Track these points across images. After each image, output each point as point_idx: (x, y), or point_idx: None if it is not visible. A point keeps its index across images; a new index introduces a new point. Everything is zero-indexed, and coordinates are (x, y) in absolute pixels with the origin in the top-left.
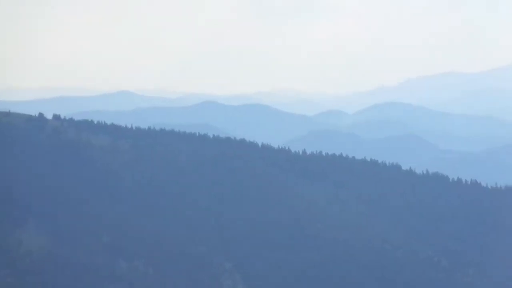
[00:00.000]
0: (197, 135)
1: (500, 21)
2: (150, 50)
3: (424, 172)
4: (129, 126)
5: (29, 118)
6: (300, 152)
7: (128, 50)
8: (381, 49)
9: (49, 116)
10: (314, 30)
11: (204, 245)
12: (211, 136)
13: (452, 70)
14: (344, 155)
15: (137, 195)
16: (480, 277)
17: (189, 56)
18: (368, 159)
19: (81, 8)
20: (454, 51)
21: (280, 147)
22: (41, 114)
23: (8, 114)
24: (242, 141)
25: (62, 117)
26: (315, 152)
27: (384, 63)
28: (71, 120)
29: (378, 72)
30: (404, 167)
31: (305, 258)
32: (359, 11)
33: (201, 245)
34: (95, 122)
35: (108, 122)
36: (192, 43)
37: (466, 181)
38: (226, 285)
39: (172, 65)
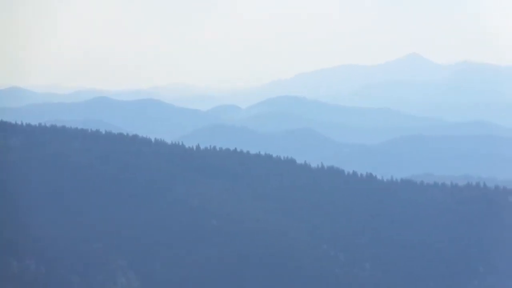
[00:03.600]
0: (89, 131)
1: (394, 14)
2: (42, 46)
3: (319, 165)
4: (19, 123)
5: None
6: (194, 148)
7: (18, 45)
8: (276, 43)
9: None
10: (210, 26)
11: (98, 242)
12: (103, 132)
13: (349, 63)
14: (238, 149)
15: (29, 193)
16: (377, 271)
17: (82, 52)
18: (263, 153)
19: None
20: (350, 44)
21: (174, 142)
22: None
23: None
24: (135, 136)
25: None
26: (209, 147)
27: (280, 56)
28: None
29: (274, 66)
30: (299, 161)
31: (200, 255)
32: (255, 6)
33: (95, 242)
34: None
35: None
36: (86, 38)
37: (361, 174)
38: (120, 283)
39: (65, 61)
